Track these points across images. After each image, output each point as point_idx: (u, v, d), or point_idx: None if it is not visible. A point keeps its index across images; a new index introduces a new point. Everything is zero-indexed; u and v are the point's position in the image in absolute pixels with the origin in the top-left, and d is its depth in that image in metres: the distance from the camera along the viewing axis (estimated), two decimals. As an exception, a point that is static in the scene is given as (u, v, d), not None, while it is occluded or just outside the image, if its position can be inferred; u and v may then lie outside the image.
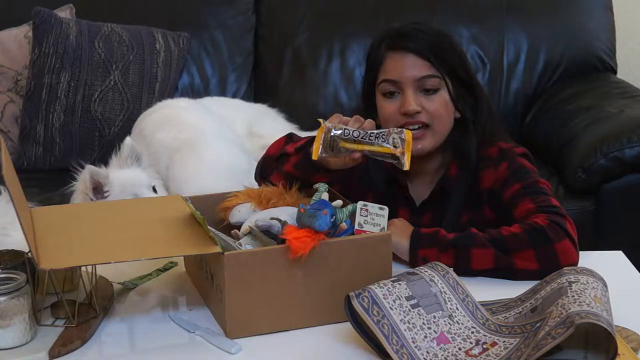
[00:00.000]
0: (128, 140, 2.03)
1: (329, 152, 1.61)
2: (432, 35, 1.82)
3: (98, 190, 1.90)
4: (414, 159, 1.67)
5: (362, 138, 1.59)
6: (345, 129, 1.60)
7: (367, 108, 1.88)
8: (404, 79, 1.80)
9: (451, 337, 1.40)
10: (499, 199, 1.80)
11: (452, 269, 1.51)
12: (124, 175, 1.96)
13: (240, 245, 1.56)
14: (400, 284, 1.43)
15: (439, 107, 1.81)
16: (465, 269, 1.66)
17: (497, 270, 1.68)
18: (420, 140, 1.79)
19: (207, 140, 2.64)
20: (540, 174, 2.38)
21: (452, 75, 1.82)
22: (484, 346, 1.39)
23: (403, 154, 1.60)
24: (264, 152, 1.95)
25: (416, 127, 1.79)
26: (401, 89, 1.80)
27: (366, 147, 1.60)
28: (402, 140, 1.60)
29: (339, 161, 1.68)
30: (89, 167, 1.91)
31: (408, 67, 1.80)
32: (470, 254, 1.67)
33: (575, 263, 1.66)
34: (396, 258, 1.67)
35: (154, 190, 2.01)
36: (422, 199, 1.89)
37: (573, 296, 1.35)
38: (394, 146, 1.59)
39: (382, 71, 1.83)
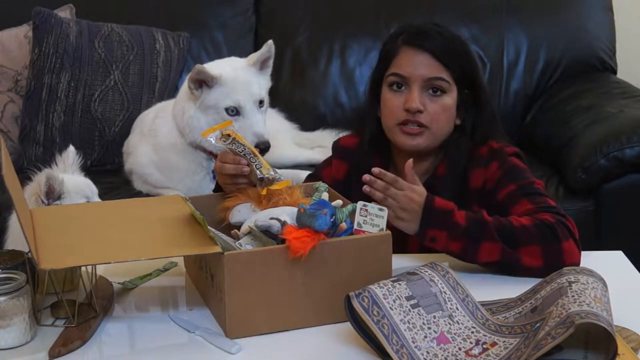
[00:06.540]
0: (71, 148, 2.08)
1: (219, 143, 1.73)
2: (450, 40, 1.83)
3: (50, 194, 1.92)
4: (409, 156, 1.68)
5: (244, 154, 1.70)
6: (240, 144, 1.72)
7: (372, 100, 1.90)
8: (414, 76, 1.81)
9: (451, 337, 1.40)
10: (492, 199, 1.79)
11: (451, 269, 1.51)
12: (76, 180, 2.02)
13: (240, 245, 1.55)
14: (400, 284, 1.43)
15: (440, 110, 1.82)
16: (471, 260, 1.67)
17: (502, 264, 1.67)
18: (416, 137, 1.82)
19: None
20: (540, 174, 2.38)
21: (461, 81, 1.83)
22: (484, 346, 1.39)
23: (262, 181, 1.67)
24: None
25: (415, 125, 1.81)
26: (408, 85, 1.82)
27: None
28: (270, 180, 1.67)
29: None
30: (47, 171, 1.93)
31: (420, 65, 1.81)
32: (479, 247, 1.66)
33: (578, 263, 1.66)
34: (397, 248, 1.61)
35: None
36: None
37: (573, 296, 1.35)
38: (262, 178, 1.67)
39: (393, 64, 1.84)
